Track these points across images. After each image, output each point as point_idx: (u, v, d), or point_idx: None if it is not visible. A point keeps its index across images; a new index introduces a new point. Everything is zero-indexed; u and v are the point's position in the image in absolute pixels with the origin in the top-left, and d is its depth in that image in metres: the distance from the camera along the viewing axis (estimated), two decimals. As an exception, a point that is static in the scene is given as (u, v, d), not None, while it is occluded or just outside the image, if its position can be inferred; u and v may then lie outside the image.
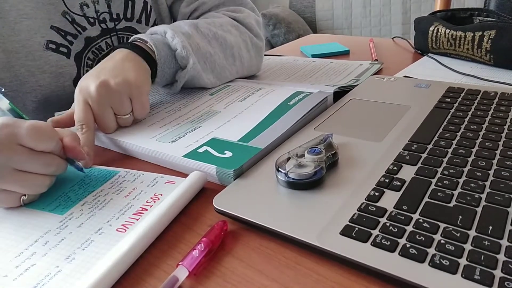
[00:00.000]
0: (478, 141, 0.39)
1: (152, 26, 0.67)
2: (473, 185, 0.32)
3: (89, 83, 0.45)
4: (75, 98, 0.46)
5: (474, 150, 0.37)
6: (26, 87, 0.58)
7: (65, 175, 0.42)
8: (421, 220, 0.29)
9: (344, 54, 0.83)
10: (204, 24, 0.58)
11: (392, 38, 0.90)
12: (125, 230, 0.32)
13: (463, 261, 0.25)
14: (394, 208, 0.30)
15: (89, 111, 0.44)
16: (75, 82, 0.61)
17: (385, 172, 0.35)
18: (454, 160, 0.36)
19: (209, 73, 0.58)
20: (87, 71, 0.61)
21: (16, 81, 0.57)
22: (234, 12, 0.65)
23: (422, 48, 0.75)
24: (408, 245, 0.27)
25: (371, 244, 0.27)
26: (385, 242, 0.27)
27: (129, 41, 0.53)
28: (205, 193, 0.38)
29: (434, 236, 0.27)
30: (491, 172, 0.33)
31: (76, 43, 0.60)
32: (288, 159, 0.36)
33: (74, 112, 0.45)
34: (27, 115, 0.61)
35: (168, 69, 0.54)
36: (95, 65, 0.61)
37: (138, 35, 0.53)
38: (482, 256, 0.25)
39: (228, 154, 0.39)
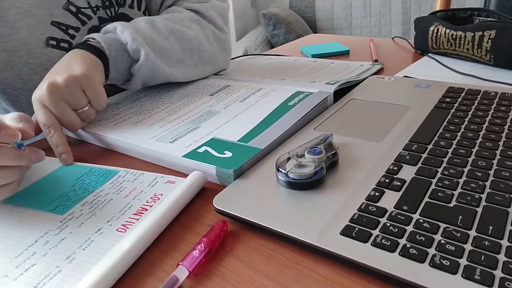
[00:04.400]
0: (478, 141, 0.39)
1: (144, 11, 0.68)
2: (473, 185, 0.32)
3: (40, 87, 0.46)
4: (33, 106, 0.46)
5: (474, 150, 0.37)
6: (29, 85, 0.58)
7: (65, 175, 0.42)
8: (421, 220, 0.29)
9: (344, 54, 0.83)
10: (161, 19, 0.59)
11: (392, 38, 0.90)
12: (125, 230, 0.32)
13: (463, 261, 0.25)
14: (394, 208, 0.30)
15: (49, 113, 0.45)
16: None
17: (385, 172, 0.35)
18: (454, 160, 0.36)
19: (167, 67, 0.58)
20: None
21: (20, 79, 0.57)
22: (199, 2, 0.65)
23: (422, 48, 0.75)
24: (408, 245, 0.27)
25: (371, 244, 0.27)
26: (385, 242, 0.27)
27: (82, 41, 0.53)
28: (205, 193, 0.38)
29: (434, 236, 0.27)
30: (491, 172, 0.33)
31: (78, 37, 0.59)
32: (288, 159, 0.36)
33: (37, 119, 0.45)
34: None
35: (121, 63, 0.54)
36: None
37: (90, 35, 0.53)
38: (483, 256, 0.25)
39: (228, 154, 0.39)
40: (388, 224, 0.29)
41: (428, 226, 0.28)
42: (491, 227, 0.27)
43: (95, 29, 0.61)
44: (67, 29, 0.58)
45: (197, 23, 0.62)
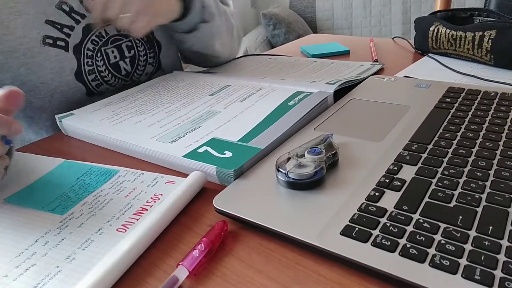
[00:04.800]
0: (478, 141, 0.39)
1: None
2: (473, 185, 0.32)
3: None
4: None
5: (474, 150, 0.37)
6: (28, 85, 0.58)
7: (64, 174, 0.42)
8: (421, 220, 0.29)
9: (344, 54, 0.83)
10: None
11: (392, 38, 0.90)
12: (125, 230, 0.32)
13: (463, 261, 0.25)
14: (394, 208, 0.30)
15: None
16: (77, 75, 0.60)
17: (385, 172, 0.35)
18: (455, 160, 0.36)
19: (218, 40, 0.69)
20: (87, 62, 0.61)
21: (17, 81, 0.57)
22: (224, 4, 0.75)
23: (422, 48, 0.75)
24: (408, 245, 0.27)
25: (371, 244, 0.27)
26: (385, 242, 0.27)
27: None
28: (205, 193, 0.38)
29: (434, 236, 0.27)
30: (492, 172, 0.33)
31: (74, 35, 0.59)
32: (288, 159, 0.36)
33: None
34: (34, 114, 0.61)
35: (194, 14, 0.63)
36: (96, 55, 0.61)
37: None
38: (483, 256, 0.25)
39: (228, 154, 0.39)
40: (388, 224, 0.29)
41: (428, 226, 0.28)
42: (491, 227, 0.27)
43: (90, 27, 0.61)
44: (61, 28, 0.58)
45: (231, 16, 0.74)
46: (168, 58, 0.73)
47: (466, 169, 0.34)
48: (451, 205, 0.30)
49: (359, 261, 0.26)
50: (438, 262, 0.25)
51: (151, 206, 0.35)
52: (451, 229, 0.27)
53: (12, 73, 0.56)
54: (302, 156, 0.36)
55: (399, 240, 0.27)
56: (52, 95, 0.59)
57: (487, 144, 0.38)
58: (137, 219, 0.33)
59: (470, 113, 0.45)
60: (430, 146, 0.38)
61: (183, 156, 0.40)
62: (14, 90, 0.37)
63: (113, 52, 0.64)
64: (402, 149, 0.38)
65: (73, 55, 0.59)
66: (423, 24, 0.74)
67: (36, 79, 0.58)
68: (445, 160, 0.36)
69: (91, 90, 0.63)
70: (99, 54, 0.62)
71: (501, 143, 0.38)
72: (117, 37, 0.64)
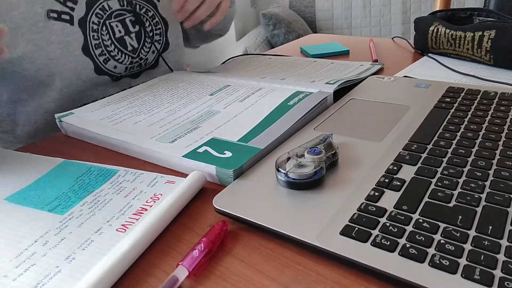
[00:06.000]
0: (478, 141, 0.39)
1: None
2: (473, 185, 0.32)
3: None
4: None
5: (474, 150, 0.37)
6: (37, 63, 0.57)
7: (64, 174, 0.42)
8: (421, 220, 0.29)
9: (344, 54, 0.83)
10: None
11: (392, 38, 0.90)
12: (125, 230, 0.32)
13: (463, 261, 0.25)
14: (394, 208, 0.30)
15: None
16: (84, 50, 0.60)
17: (385, 172, 0.35)
18: (454, 160, 0.36)
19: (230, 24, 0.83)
20: (93, 36, 0.61)
21: (26, 59, 0.56)
22: None
23: (422, 48, 0.75)
24: (408, 245, 0.27)
25: (371, 244, 0.27)
26: (385, 242, 0.27)
27: None
28: (205, 193, 0.38)
29: (434, 236, 0.27)
30: (491, 172, 0.33)
31: (78, 9, 0.59)
32: (288, 159, 0.36)
33: None
34: (45, 93, 0.61)
35: None
36: (101, 29, 0.62)
37: None
38: (482, 256, 0.25)
39: (228, 154, 0.39)
40: (387, 224, 0.29)
41: (427, 226, 0.28)
42: (490, 227, 0.27)
43: (93, 1, 0.61)
44: (64, 1, 0.58)
45: None
46: (176, 39, 0.74)
47: (465, 169, 0.34)
48: (451, 205, 0.30)
49: (359, 261, 0.26)
50: (437, 262, 0.25)
51: (150, 206, 0.35)
52: (450, 229, 0.28)
53: (21, 52, 0.56)
54: (302, 156, 0.36)
55: (398, 240, 0.27)
56: (62, 72, 0.59)
57: (486, 144, 0.38)
58: (137, 219, 0.33)
59: (470, 113, 0.45)
60: (429, 146, 0.38)
61: (183, 156, 0.40)
62: None
63: (117, 26, 0.64)
64: (402, 149, 0.38)
65: (79, 29, 0.59)
66: (422, 24, 0.74)
67: (45, 56, 0.57)
68: (445, 160, 0.36)
69: (99, 66, 0.63)
70: (104, 28, 0.62)
71: (500, 143, 0.38)
72: (120, 11, 0.64)
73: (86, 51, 0.61)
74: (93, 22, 0.61)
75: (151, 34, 0.69)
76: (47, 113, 0.63)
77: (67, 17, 0.58)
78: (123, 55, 0.66)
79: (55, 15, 0.57)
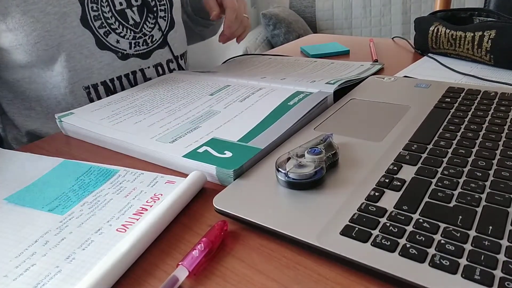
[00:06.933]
0: (478, 141, 0.39)
1: None
2: (473, 185, 0.32)
3: None
4: None
5: (474, 150, 0.37)
6: (34, 36, 0.55)
7: (64, 174, 0.42)
8: (421, 220, 0.29)
9: (344, 54, 0.83)
10: None
11: (392, 38, 0.90)
12: (125, 230, 0.32)
13: (463, 261, 0.25)
14: (394, 208, 0.30)
15: None
16: (83, 21, 0.58)
17: (385, 172, 0.35)
18: (454, 160, 0.36)
19: None
20: (92, 8, 0.59)
21: (23, 32, 0.55)
22: None
23: (422, 48, 0.75)
24: (408, 245, 0.27)
25: (371, 244, 0.27)
26: (385, 242, 0.27)
27: None
28: (205, 193, 0.38)
29: (434, 236, 0.27)
30: (491, 172, 0.33)
31: None
32: (288, 159, 0.36)
33: None
34: (44, 71, 0.58)
35: None
36: (101, 0, 0.61)
37: None
38: (482, 256, 0.25)
39: (228, 154, 0.39)
40: (388, 224, 0.29)
41: (428, 226, 0.28)
42: (491, 227, 0.27)
43: None
44: None
45: None
46: (180, 18, 0.74)
47: (466, 169, 0.34)
48: (451, 205, 0.30)
49: (359, 261, 0.26)
50: (438, 262, 0.25)
51: (151, 206, 0.35)
52: (451, 229, 0.28)
53: (16, 23, 0.54)
54: (302, 156, 0.36)
55: (399, 240, 0.27)
56: (60, 44, 0.57)
57: (487, 144, 0.38)
58: (137, 219, 0.33)
59: (470, 113, 0.45)
60: (430, 146, 0.38)
61: (183, 156, 0.40)
62: None
63: None
64: (402, 149, 0.38)
65: (76, 0, 0.58)
66: (423, 24, 0.74)
67: (41, 28, 0.55)
68: (445, 160, 0.36)
69: (100, 40, 0.61)
70: None
71: (500, 143, 0.38)
72: None
73: (85, 22, 0.59)
74: None
75: (154, 9, 0.67)
76: (55, 88, 0.61)
77: None
78: (125, 29, 0.63)
79: None
